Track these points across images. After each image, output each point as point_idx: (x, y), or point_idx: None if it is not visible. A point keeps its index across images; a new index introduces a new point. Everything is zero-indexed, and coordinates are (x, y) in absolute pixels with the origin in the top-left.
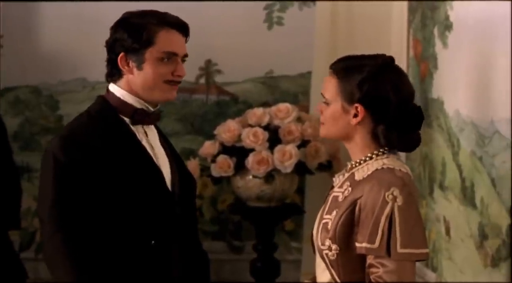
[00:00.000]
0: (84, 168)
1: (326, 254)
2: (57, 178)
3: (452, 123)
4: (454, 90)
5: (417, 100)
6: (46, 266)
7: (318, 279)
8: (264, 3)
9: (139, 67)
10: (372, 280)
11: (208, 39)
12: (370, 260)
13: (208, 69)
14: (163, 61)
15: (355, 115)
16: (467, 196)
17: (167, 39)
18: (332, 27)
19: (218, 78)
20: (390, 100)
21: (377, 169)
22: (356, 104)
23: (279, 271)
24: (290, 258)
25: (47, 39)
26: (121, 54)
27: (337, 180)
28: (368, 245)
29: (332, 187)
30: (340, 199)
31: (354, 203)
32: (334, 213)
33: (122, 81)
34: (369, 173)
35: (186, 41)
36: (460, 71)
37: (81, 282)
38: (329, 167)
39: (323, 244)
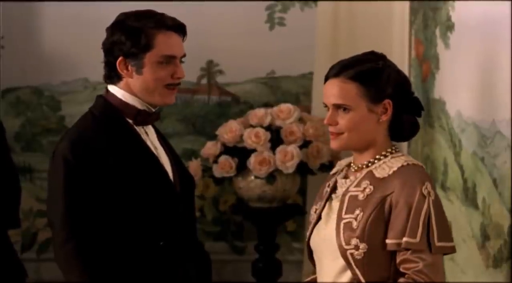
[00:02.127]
0: (94, 170)
1: (351, 254)
2: (69, 180)
3: (453, 124)
4: (456, 91)
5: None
6: (60, 271)
7: (327, 279)
8: (266, 3)
9: (138, 72)
10: (412, 275)
11: (209, 39)
12: (405, 255)
13: (209, 70)
14: (162, 65)
15: (382, 112)
16: (469, 196)
17: (165, 43)
18: (334, 27)
19: (220, 79)
20: (406, 86)
21: (402, 165)
22: (386, 101)
23: (280, 272)
24: (291, 258)
25: (48, 39)
26: (120, 58)
27: (345, 181)
28: (410, 240)
29: (335, 188)
30: (361, 197)
31: (382, 200)
32: (358, 211)
33: (122, 83)
34: (394, 169)
35: (183, 41)
36: (461, 72)
37: None
38: (331, 167)
39: (347, 244)
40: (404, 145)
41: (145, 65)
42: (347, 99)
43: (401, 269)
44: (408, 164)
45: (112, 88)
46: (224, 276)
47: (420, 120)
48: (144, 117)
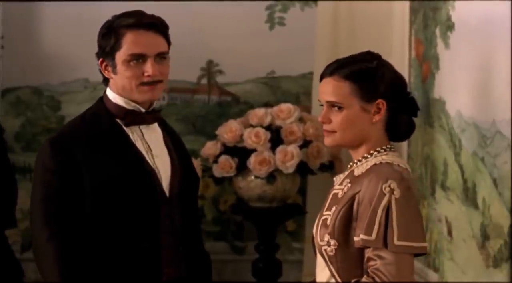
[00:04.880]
0: (71, 173)
1: (325, 250)
2: (45, 182)
3: (454, 124)
4: (456, 91)
5: (419, 100)
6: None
7: (318, 278)
8: (266, 3)
9: (114, 71)
10: (370, 273)
11: (209, 39)
12: (368, 253)
13: (209, 69)
14: (131, 63)
15: (376, 112)
16: (469, 196)
17: (132, 41)
18: (334, 27)
19: (220, 79)
20: (401, 86)
21: (375, 164)
22: (379, 100)
23: (280, 272)
24: (291, 258)
25: (48, 39)
26: (100, 59)
27: (338, 178)
28: (366, 237)
29: (333, 187)
30: (339, 195)
31: (352, 198)
32: (333, 208)
33: (111, 84)
34: (367, 168)
35: (167, 38)
36: (461, 72)
37: (65, 279)
38: (331, 167)
39: (322, 240)
40: (404, 145)
41: (117, 64)
42: (340, 98)
43: (368, 267)
44: (381, 162)
45: (107, 90)
46: (224, 276)
47: (420, 120)
48: (133, 118)
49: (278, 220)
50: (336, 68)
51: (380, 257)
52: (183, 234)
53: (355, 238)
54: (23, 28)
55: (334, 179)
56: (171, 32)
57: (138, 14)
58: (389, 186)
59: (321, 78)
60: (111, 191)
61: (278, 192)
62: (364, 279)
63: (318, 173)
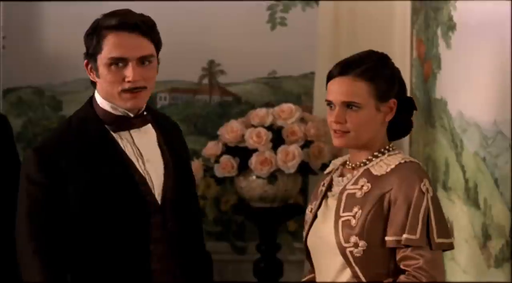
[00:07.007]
0: (56, 184)
1: (351, 252)
2: (29, 195)
3: (455, 124)
4: (457, 91)
5: (421, 100)
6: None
7: (332, 280)
8: (267, 3)
9: (97, 75)
10: (413, 272)
11: (211, 39)
12: (405, 252)
13: (211, 70)
14: (111, 68)
15: (388, 112)
16: (470, 196)
17: (112, 44)
18: (335, 27)
19: (221, 79)
20: (405, 86)
21: (400, 163)
22: (391, 100)
23: (282, 272)
24: (293, 258)
25: (49, 39)
26: (85, 62)
27: (341, 179)
28: (410, 236)
29: (330, 187)
30: (358, 195)
31: (382, 197)
32: (356, 209)
33: (97, 88)
34: (392, 167)
35: (154, 40)
36: (463, 72)
37: None
38: None
39: (346, 241)
40: (405, 145)
41: (99, 67)
42: (358, 97)
43: (401, 266)
44: (405, 161)
45: (95, 93)
46: (225, 276)
47: (421, 120)
48: (120, 123)
49: (280, 220)
50: (350, 67)
51: (422, 255)
52: (179, 240)
53: (389, 238)
54: (24, 28)
55: (337, 179)
56: (172, 32)
57: (123, 14)
58: (425, 185)
59: (331, 77)
60: (96, 203)
61: (280, 192)
62: (403, 278)
63: (319, 173)
